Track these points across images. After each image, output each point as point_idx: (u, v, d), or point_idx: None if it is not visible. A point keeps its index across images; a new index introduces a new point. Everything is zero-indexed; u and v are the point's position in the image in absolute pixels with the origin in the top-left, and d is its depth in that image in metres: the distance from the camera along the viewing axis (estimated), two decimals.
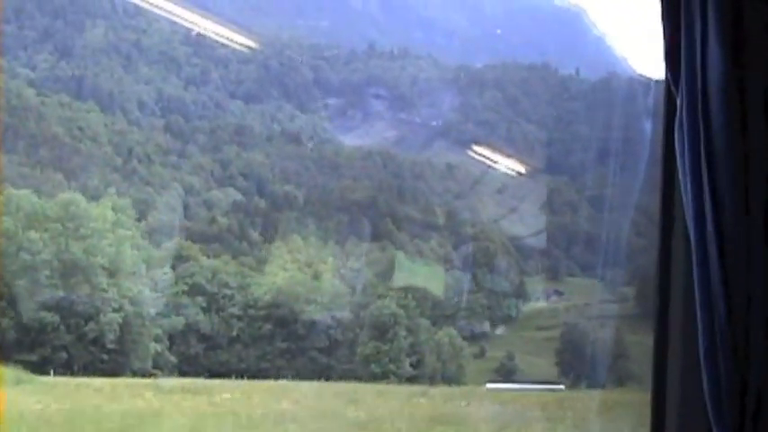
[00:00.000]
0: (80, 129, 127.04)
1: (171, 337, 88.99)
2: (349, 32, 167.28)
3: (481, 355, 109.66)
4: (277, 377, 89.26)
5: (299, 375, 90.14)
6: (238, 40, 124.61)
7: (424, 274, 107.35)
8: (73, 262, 76.26)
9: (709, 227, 4.29)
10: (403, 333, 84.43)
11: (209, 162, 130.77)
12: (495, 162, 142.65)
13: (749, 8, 4.52)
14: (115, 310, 77.62)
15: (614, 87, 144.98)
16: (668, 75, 4.73)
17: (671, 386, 5.36)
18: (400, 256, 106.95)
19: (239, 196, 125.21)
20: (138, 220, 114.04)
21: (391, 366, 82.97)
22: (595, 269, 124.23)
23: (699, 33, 4.44)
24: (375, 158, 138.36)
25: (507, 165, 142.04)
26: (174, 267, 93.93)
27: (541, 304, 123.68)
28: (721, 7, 4.44)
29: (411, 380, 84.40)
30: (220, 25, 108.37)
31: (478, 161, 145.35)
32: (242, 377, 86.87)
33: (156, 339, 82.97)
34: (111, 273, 78.73)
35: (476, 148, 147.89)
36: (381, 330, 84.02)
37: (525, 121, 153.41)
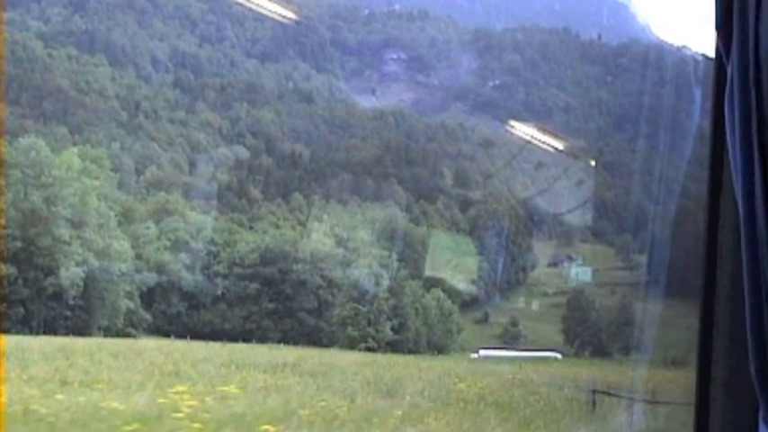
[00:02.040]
0: (87, 82, 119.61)
1: (150, 295, 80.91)
2: None
3: (484, 320, 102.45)
4: (263, 339, 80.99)
5: (287, 338, 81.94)
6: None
7: (457, 248, 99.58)
8: (32, 211, 67.76)
9: (759, 201, 3.34)
10: (384, 295, 75.25)
11: (218, 119, 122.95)
12: (512, 127, 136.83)
13: None
14: (78, 264, 69.01)
15: (633, 54, 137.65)
16: (719, 44, 3.65)
17: (716, 363, 4.47)
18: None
19: (247, 154, 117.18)
20: (138, 174, 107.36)
21: (370, 330, 73.99)
22: (608, 235, 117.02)
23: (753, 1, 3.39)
24: (388, 119, 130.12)
25: (524, 131, 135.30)
26: (157, 222, 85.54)
27: (551, 269, 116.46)
28: None
29: (392, 345, 75.46)
30: None
31: (490, 126, 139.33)
32: (229, 339, 78.39)
33: (128, 296, 74.17)
34: (75, 224, 70.11)
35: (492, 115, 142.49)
36: (360, 291, 75.10)
37: (544, 85, 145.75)
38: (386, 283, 76.06)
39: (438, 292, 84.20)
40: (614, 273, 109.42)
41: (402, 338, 76.68)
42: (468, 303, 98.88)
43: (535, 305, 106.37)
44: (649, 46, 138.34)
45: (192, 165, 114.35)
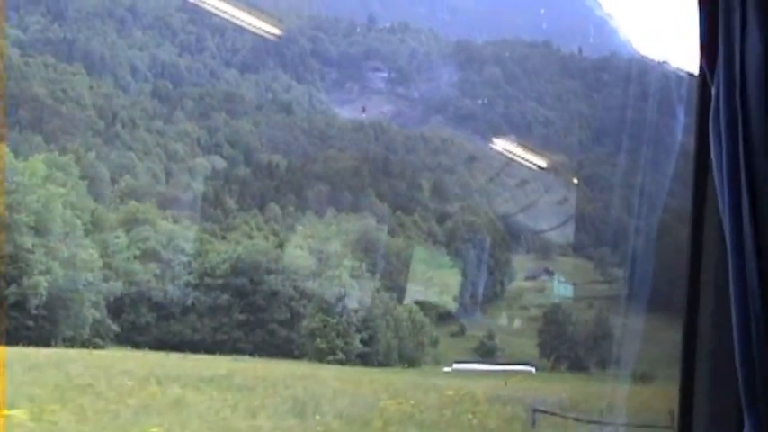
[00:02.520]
0: (63, 91, 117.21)
1: (119, 305, 78.48)
2: (350, 4, 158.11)
3: (461, 333, 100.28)
4: (233, 351, 78.64)
5: (258, 349, 79.56)
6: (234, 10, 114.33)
7: (439, 266, 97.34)
8: None
9: (746, 219, 3.66)
10: (354, 306, 72.85)
11: (196, 129, 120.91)
12: (493, 143, 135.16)
13: None
14: (42, 273, 66.47)
15: (614, 67, 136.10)
16: (703, 63, 4.01)
17: (699, 377, 4.46)
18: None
19: (224, 164, 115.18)
20: (114, 183, 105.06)
21: (338, 342, 71.56)
22: (587, 249, 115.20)
23: (738, 20, 3.78)
24: (367, 131, 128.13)
25: (504, 146, 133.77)
26: (127, 231, 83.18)
27: (529, 283, 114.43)
28: None
29: (362, 357, 73.07)
30: None
31: (470, 140, 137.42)
32: (196, 350, 75.96)
33: (94, 306, 71.66)
34: (39, 232, 67.60)
35: (470, 127, 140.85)
36: (330, 302, 72.69)
37: (524, 99, 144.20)
38: (356, 294, 73.80)
39: (410, 305, 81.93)
40: (592, 286, 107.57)
41: (372, 351, 74.26)
42: (445, 316, 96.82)
43: (512, 319, 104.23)
44: (631, 61, 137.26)
45: (169, 174, 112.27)
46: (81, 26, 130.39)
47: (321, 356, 70.51)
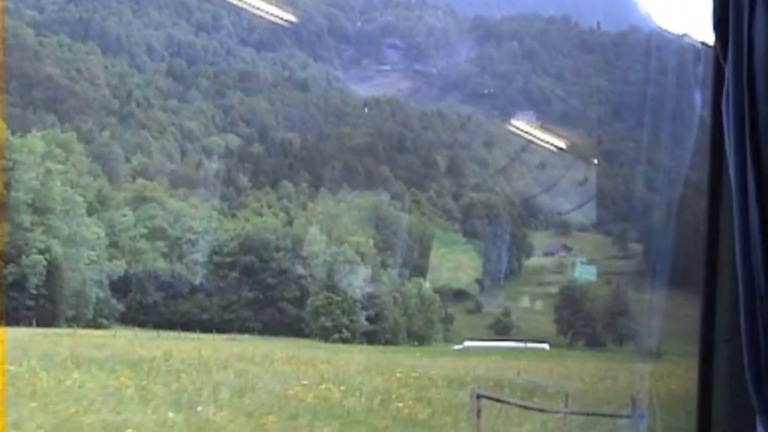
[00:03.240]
0: (78, 71, 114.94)
1: (125, 285, 76.08)
2: None
3: (477, 310, 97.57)
4: (242, 330, 76.11)
5: (267, 328, 76.98)
6: None
7: (454, 244, 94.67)
8: None
9: (751, 200, 3.02)
10: (359, 283, 69.87)
11: (211, 107, 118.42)
12: (510, 120, 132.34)
13: None
14: (41, 251, 63.95)
15: (633, 42, 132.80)
16: (717, 45, 3.28)
17: (718, 359, 4.28)
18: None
19: (239, 142, 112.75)
20: (128, 160, 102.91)
21: (343, 320, 68.67)
22: (606, 225, 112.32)
23: (747, 2, 3.00)
24: (383, 107, 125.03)
25: (522, 124, 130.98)
26: (134, 210, 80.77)
27: (546, 260, 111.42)
28: None
29: (368, 335, 70.20)
30: None
31: (488, 116, 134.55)
32: (205, 329, 73.51)
33: (98, 285, 69.21)
34: (38, 210, 65.04)
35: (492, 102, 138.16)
36: (334, 279, 69.76)
37: (542, 74, 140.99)
38: (362, 271, 70.87)
39: (419, 281, 78.89)
40: (611, 262, 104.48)
41: (378, 329, 71.35)
42: (461, 293, 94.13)
43: (529, 295, 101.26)
44: (650, 35, 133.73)
45: (184, 153, 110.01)
46: (97, 6, 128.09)
47: (326, 335, 67.78)
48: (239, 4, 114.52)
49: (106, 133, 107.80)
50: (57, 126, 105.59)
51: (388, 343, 69.51)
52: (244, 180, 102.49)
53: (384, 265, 78.24)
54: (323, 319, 68.37)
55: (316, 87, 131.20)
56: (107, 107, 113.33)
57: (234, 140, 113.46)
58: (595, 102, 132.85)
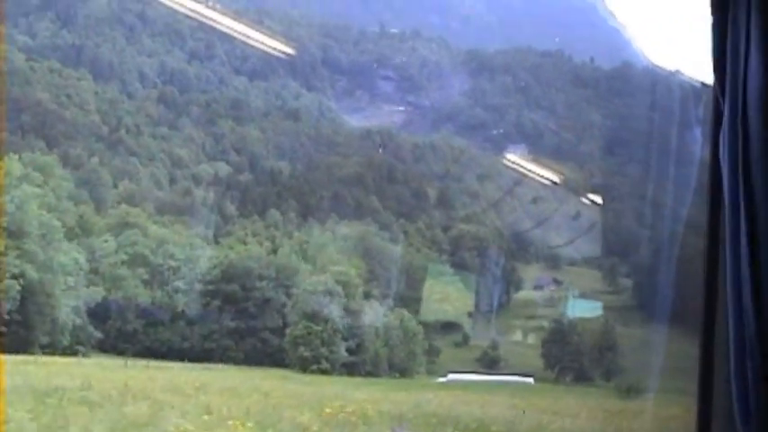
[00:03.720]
0: (68, 96, 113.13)
1: (104, 312, 73.86)
2: (361, 12, 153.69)
3: (464, 343, 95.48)
4: (223, 359, 73.90)
5: (248, 358, 74.72)
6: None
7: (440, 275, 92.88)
8: None
9: (743, 242, 4.00)
10: (339, 313, 67.53)
11: (202, 135, 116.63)
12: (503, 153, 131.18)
13: None
14: (14, 276, 61.73)
15: (627, 78, 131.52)
16: (715, 84, 4.38)
17: (717, 396, 4.60)
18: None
19: (229, 170, 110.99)
20: (116, 186, 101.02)
21: (323, 350, 66.28)
22: (596, 259, 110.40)
23: (743, 44, 4.19)
24: (374, 138, 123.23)
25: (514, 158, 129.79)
26: (116, 236, 78.61)
27: (536, 293, 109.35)
28: (764, 16, 4.19)
29: (348, 366, 67.82)
30: None
31: (483, 150, 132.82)
32: (185, 358, 71.34)
33: (74, 312, 66.93)
34: (13, 234, 62.77)
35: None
36: (314, 308, 67.40)
37: (535, 108, 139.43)
38: (341, 301, 68.61)
39: (401, 312, 76.57)
40: (600, 297, 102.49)
41: (359, 360, 69.01)
42: (448, 326, 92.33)
43: (518, 329, 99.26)
44: (643, 71, 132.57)
45: (172, 181, 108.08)
46: (90, 32, 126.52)
47: (305, 365, 65.43)
48: (233, 33, 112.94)
49: (95, 159, 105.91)
50: (45, 152, 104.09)
51: (368, 374, 67.30)
52: (231, 208, 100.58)
53: (368, 295, 76.02)
54: (302, 349, 66.08)
55: (308, 117, 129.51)
56: (96, 133, 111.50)
57: (224, 169, 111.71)
58: (588, 136, 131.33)
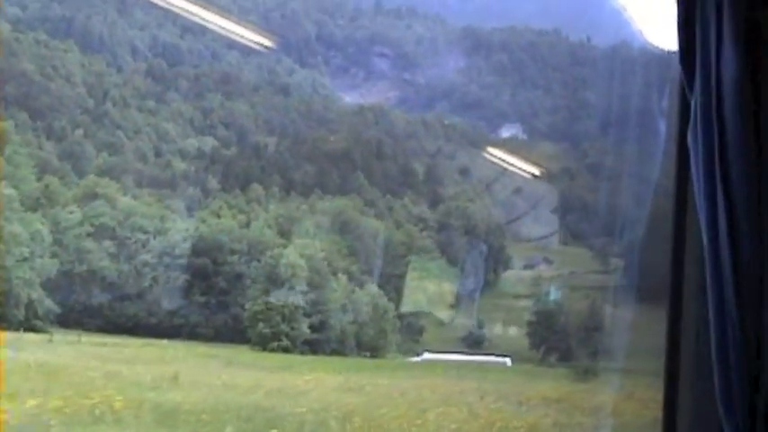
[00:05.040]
0: (54, 68, 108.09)
1: (69, 285, 68.92)
2: None
3: (449, 322, 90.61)
4: (192, 336, 68.87)
5: (219, 335, 69.48)
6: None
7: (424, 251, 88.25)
8: None
9: (722, 228, 3.97)
10: (302, 287, 62.06)
11: (190, 109, 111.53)
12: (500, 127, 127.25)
13: (763, 8, 4.22)
14: None
15: (623, 57, 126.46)
16: (683, 76, 4.30)
17: (683, 385, 4.61)
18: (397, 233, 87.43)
19: (216, 145, 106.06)
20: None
21: (283, 327, 60.85)
22: (589, 238, 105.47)
23: (714, 34, 4.11)
24: (366, 114, 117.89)
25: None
26: (83, 207, 73.59)
27: (525, 272, 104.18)
28: (736, 8, 4.14)
29: (310, 344, 62.41)
30: None
31: (477, 128, 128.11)
32: (152, 334, 66.38)
33: (28, 285, 61.77)
34: None
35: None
36: (276, 283, 61.97)
37: (531, 87, 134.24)
38: (304, 275, 63.12)
39: (372, 288, 70.99)
40: (589, 276, 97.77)
41: (323, 337, 63.59)
42: (437, 305, 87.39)
43: (505, 309, 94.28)
44: (641, 50, 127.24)
45: (158, 154, 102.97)
46: (81, 5, 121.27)
47: (264, 342, 60.12)
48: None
49: (79, 132, 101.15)
50: (28, 124, 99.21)
51: (334, 353, 61.96)
52: (213, 182, 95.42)
53: (344, 271, 70.58)
54: (261, 325, 60.74)
55: (300, 93, 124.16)
56: (82, 105, 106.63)
57: (211, 143, 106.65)
58: (584, 115, 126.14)
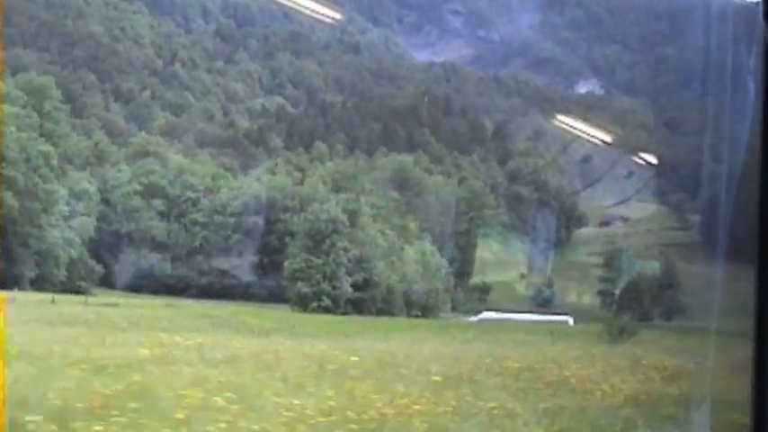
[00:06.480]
0: (122, 29, 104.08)
1: (117, 245, 64.48)
2: None
3: (519, 280, 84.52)
4: (244, 297, 63.70)
5: (273, 296, 63.94)
6: None
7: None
8: None
9: None
10: (343, 244, 56.05)
11: (259, 69, 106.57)
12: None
13: None
14: None
15: (704, 9, 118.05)
16: (766, 33, 3.83)
17: None
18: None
19: (284, 104, 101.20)
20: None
21: (324, 286, 55.01)
22: (666, 194, 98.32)
23: None
24: (436, 71, 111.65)
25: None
26: (130, 165, 68.91)
27: (600, 229, 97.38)
28: None
29: (354, 303, 56.48)
30: None
31: (551, 85, 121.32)
32: (204, 296, 61.57)
33: (68, 243, 57.08)
34: None
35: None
36: (316, 240, 56.08)
37: (608, 41, 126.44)
38: (346, 231, 57.04)
39: (424, 245, 64.70)
40: (666, 233, 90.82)
41: (367, 296, 57.62)
42: (505, 263, 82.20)
43: (576, 266, 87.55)
44: (721, 3, 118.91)
45: (226, 114, 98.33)
46: None
47: (305, 303, 54.52)
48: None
49: (146, 93, 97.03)
50: (96, 85, 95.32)
51: (380, 312, 56.12)
52: (277, 141, 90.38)
53: (391, 227, 64.39)
54: (300, 284, 55.12)
55: (371, 51, 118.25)
56: (150, 67, 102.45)
57: (279, 102, 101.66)
58: (662, 70, 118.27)
